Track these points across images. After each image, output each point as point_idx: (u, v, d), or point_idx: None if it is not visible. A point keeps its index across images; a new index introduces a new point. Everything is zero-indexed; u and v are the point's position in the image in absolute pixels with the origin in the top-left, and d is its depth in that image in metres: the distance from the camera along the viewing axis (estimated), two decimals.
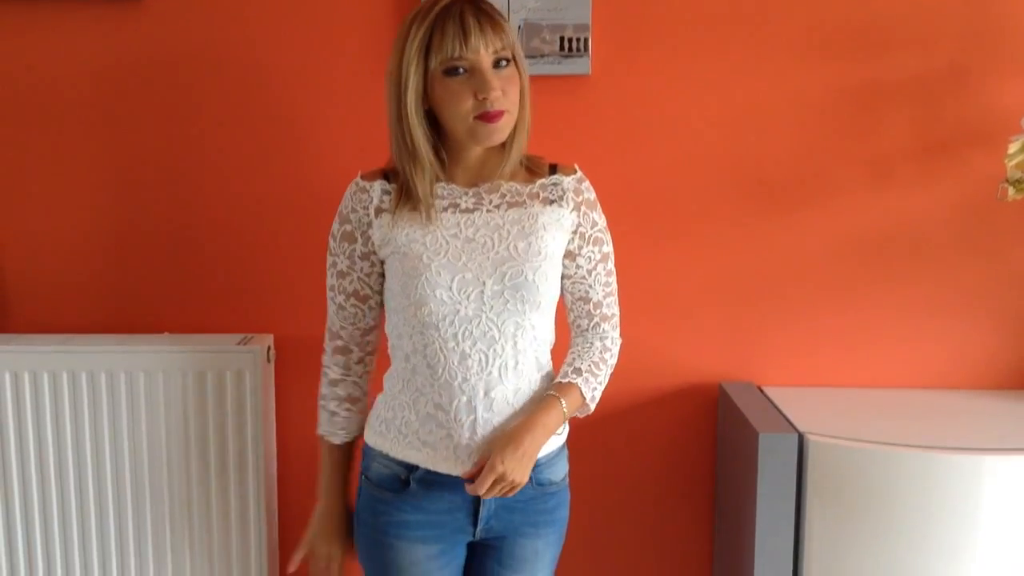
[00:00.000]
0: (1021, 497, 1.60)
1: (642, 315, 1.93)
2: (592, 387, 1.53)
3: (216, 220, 1.93)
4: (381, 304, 1.55)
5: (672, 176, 1.92)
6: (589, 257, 1.55)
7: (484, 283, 1.44)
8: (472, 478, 1.44)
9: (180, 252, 1.93)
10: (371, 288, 1.53)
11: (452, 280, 1.44)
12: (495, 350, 1.45)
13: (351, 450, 1.60)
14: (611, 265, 1.58)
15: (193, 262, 1.94)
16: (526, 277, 1.45)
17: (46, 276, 1.94)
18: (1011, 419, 1.78)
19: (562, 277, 1.55)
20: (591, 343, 1.57)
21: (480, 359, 1.45)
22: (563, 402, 1.48)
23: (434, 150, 1.47)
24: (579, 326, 1.59)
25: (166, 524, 1.87)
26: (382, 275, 1.53)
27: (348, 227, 1.51)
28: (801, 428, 1.68)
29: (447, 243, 1.46)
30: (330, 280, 1.54)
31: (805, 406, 1.82)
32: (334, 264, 1.53)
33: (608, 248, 1.57)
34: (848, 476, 1.63)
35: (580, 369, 1.53)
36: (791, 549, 1.68)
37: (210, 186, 1.92)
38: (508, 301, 1.45)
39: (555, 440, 1.54)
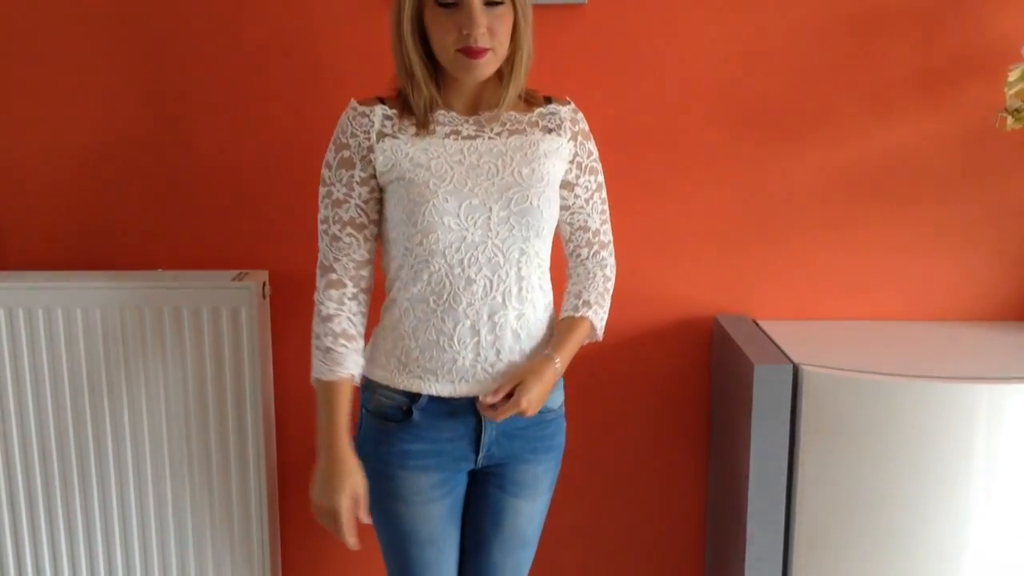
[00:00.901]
0: (1016, 426, 1.62)
1: (638, 249, 1.92)
2: (600, 317, 1.61)
3: (209, 155, 1.91)
4: (376, 236, 1.54)
5: (668, 108, 1.89)
6: (586, 187, 1.59)
7: (491, 209, 1.46)
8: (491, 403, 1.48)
9: (173, 188, 1.92)
10: (368, 217, 1.52)
11: (459, 206, 1.45)
12: (499, 275, 1.48)
13: (350, 392, 1.51)
14: (604, 194, 1.62)
15: (187, 198, 1.92)
16: (531, 203, 1.48)
17: (39, 213, 1.92)
18: (1008, 350, 1.79)
19: (560, 208, 1.57)
20: (594, 273, 1.62)
21: (485, 284, 1.47)
22: (577, 337, 1.56)
23: (431, 75, 1.48)
24: (579, 255, 1.63)
25: (165, 460, 1.88)
26: (380, 202, 1.52)
27: (346, 153, 1.49)
28: (796, 359, 1.69)
29: (451, 169, 1.47)
30: (323, 212, 1.52)
31: (801, 338, 1.82)
32: (329, 194, 1.51)
33: (602, 177, 1.62)
34: (843, 407, 1.64)
35: (589, 302, 1.60)
36: (784, 480, 1.69)
37: (204, 121, 1.90)
38: (514, 227, 1.48)
39: None
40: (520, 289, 1.49)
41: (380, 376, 1.54)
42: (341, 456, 1.48)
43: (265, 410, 1.89)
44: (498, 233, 1.47)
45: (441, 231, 1.45)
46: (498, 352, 1.49)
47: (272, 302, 1.94)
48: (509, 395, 1.48)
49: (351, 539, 1.49)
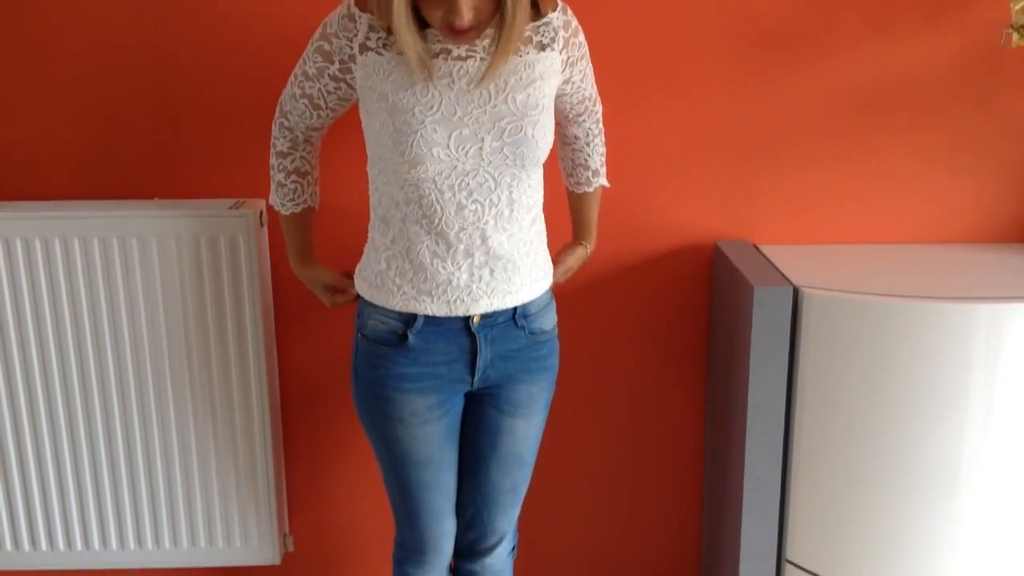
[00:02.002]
0: (1015, 346, 1.61)
1: (637, 174, 1.90)
2: (604, 175, 1.75)
3: (205, 83, 1.88)
4: (333, 118, 1.57)
5: (666, 28, 1.85)
6: (580, 69, 1.57)
7: (483, 139, 1.42)
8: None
9: (169, 117, 1.89)
10: (326, 103, 1.53)
11: (449, 137, 1.41)
12: (491, 200, 1.46)
13: (309, 216, 1.67)
14: (589, 60, 1.60)
15: (182, 127, 1.90)
16: (526, 133, 1.43)
17: (34, 143, 1.90)
18: (1009, 271, 1.78)
19: (557, 96, 1.54)
20: (592, 135, 1.70)
21: (476, 209, 1.45)
22: (596, 211, 1.76)
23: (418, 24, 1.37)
24: (578, 123, 1.67)
25: (168, 388, 1.89)
26: (344, 100, 1.52)
27: (326, 46, 1.46)
28: (796, 282, 1.68)
29: (440, 95, 1.40)
30: (297, 67, 1.53)
31: (801, 262, 1.81)
32: (303, 62, 1.51)
33: (586, 49, 1.57)
34: (843, 329, 1.64)
35: (598, 171, 1.73)
36: (783, 402, 1.70)
37: (199, 48, 1.86)
38: (507, 157, 1.44)
39: (543, 287, 1.58)
40: (512, 212, 1.48)
41: (374, 297, 1.54)
42: (308, 274, 1.72)
43: (266, 338, 1.90)
44: (491, 162, 1.43)
45: (430, 162, 1.41)
46: (492, 271, 1.49)
47: (271, 231, 1.93)
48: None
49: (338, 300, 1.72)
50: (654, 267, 1.97)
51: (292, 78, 1.54)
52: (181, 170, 1.92)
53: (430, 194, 1.44)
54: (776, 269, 1.77)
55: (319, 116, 1.55)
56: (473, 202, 1.44)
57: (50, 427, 1.91)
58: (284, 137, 1.60)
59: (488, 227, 1.46)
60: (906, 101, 1.87)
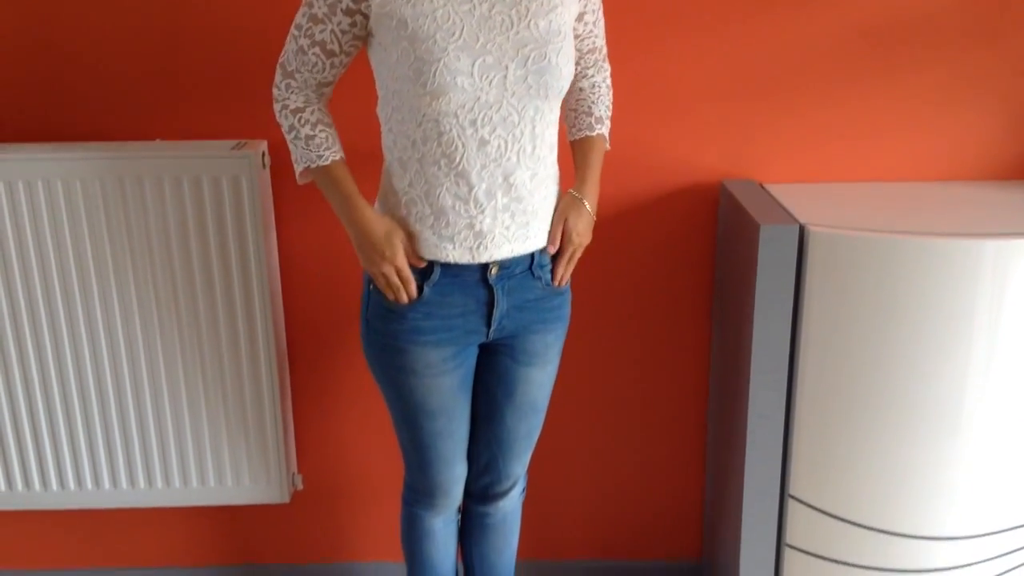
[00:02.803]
0: (1020, 281, 1.61)
1: (642, 113, 1.89)
2: (608, 127, 1.64)
3: (207, 22, 1.85)
4: (346, 65, 1.49)
5: None
6: (592, 11, 1.55)
7: (507, 67, 1.38)
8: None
9: (170, 57, 1.87)
10: (341, 47, 1.45)
11: (473, 65, 1.37)
12: (514, 135, 1.42)
13: (346, 167, 1.50)
14: (601, 9, 1.58)
15: (184, 68, 1.87)
16: (550, 60, 1.40)
17: (35, 84, 1.88)
18: (1016, 207, 1.77)
19: None
20: (598, 87, 1.62)
21: (499, 145, 1.41)
22: (599, 158, 1.59)
23: None
24: (585, 75, 1.62)
25: (174, 329, 1.90)
26: (358, 39, 1.45)
27: None
28: (802, 220, 1.67)
29: (461, 21, 1.36)
30: (299, 18, 1.45)
31: (807, 200, 1.81)
32: (311, 4, 1.43)
33: None
34: (848, 266, 1.64)
35: (602, 118, 1.62)
36: (788, 339, 1.70)
37: None
38: (531, 87, 1.40)
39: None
40: (534, 148, 1.44)
41: None
42: (368, 226, 1.47)
43: (271, 278, 1.90)
44: (514, 92, 1.39)
45: (454, 92, 1.36)
46: (513, 215, 1.46)
47: (273, 172, 1.92)
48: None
49: (412, 289, 1.49)
50: (660, 207, 1.96)
51: (293, 33, 1.46)
52: (183, 111, 1.90)
53: (451, 130, 1.40)
54: (782, 207, 1.76)
55: (333, 65, 1.46)
56: (496, 137, 1.41)
57: (58, 369, 1.92)
58: (295, 95, 1.49)
59: (511, 164, 1.43)
60: (912, 38, 1.85)
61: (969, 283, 1.61)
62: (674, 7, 1.84)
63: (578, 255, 1.57)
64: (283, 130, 1.51)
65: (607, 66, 1.66)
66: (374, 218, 1.47)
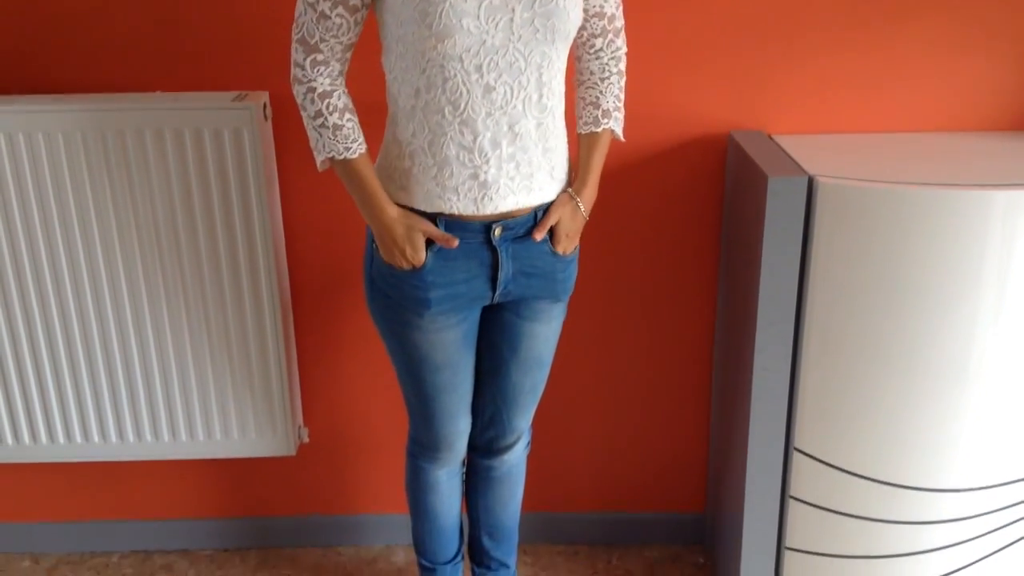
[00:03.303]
0: None
1: (649, 64, 1.85)
2: (620, 120, 1.58)
3: None
4: (366, 20, 1.45)
5: None
6: None
7: (513, 9, 1.35)
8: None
9: (170, 6, 1.83)
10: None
11: (479, 6, 1.33)
12: (520, 82, 1.39)
13: (369, 160, 1.48)
14: None
15: (183, 17, 1.84)
16: (556, 3, 1.36)
17: (34, 37, 1.85)
18: None
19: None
20: (608, 71, 1.56)
21: (505, 92, 1.39)
22: (601, 154, 1.55)
23: None
24: (592, 46, 1.55)
25: (178, 283, 1.89)
26: None
27: None
28: (811, 171, 1.65)
29: None
30: None
31: (816, 152, 1.78)
32: None
33: None
34: (857, 217, 1.62)
35: (608, 111, 1.56)
36: (795, 291, 1.69)
37: None
38: (538, 30, 1.37)
39: (560, 186, 1.54)
40: (540, 96, 1.42)
41: (400, 198, 1.48)
42: (390, 225, 1.46)
43: (273, 231, 1.88)
44: (520, 36, 1.36)
45: (459, 35, 1.34)
46: (518, 165, 1.44)
47: (274, 124, 1.90)
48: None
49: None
50: (668, 158, 1.94)
51: (308, 2, 1.39)
52: (183, 62, 1.87)
53: (456, 75, 1.37)
54: (790, 159, 1.74)
55: (356, 22, 1.41)
56: (502, 84, 1.38)
57: (62, 323, 1.92)
58: (322, 75, 1.43)
59: (516, 112, 1.40)
60: None
61: (978, 234, 1.59)
62: None
63: (569, 249, 1.56)
64: (306, 114, 1.45)
65: (620, 44, 1.57)
66: (396, 217, 1.46)
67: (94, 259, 1.87)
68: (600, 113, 1.56)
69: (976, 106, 1.89)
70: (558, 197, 1.52)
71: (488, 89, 1.38)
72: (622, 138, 1.61)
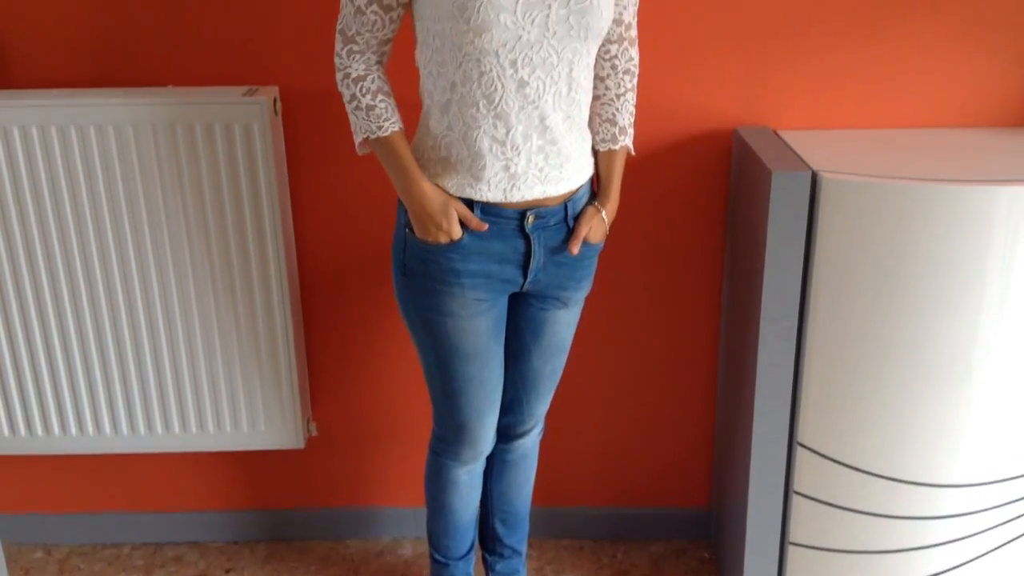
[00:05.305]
0: None
1: (655, 59, 1.86)
2: (632, 136, 1.65)
3: None
4: (402, 17, 1.49)
5: None
6: None
7: (550, 6, 1.39)
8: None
9: (180, 1, 1.86)
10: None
11: (516, 3, 1.37)
12: (552, 77, 1.43)
13: (404, 138, 1.52)
14: None
15: (194, 12, 1.87)
16: (592, 1, 1.40)
17: (46, 31, 1.88)
18: None
19: None
20: (623, 87, 1.61)
21: (537, 86, 1.43)
22: (620, 170, 1.63)
23: None
24: (608, 51, 1.59)
25: (189, 276, 1.91)
26: None
27: None
28: (815, 167, 1.66)
29: None
30: None
31: (821, 147, 1.79)
32: None
33: None
34: (860, 213, 1.63)
35: (624, 128, 1.62)
36: (799, 288, 1.70)
37: None
38: (572, 27, 1.41)
39: (587, 174, 1.59)
40: (570, 90, 1.46)
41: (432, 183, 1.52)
42: (425, 199, 1.50)
43: (283, 225, 1.90)
44: (555, 33, 1.40)
45: (496, 29, 1.37)
46: (546, 157, 1.48)
47: (284, 119, 1.92)
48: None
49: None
50: (674, 153, 1.95)
51: None
52: (194, 57, 1.89)
53: (491, 70, 1.41)
54: (795, 154, 1.75)
55: (391, 20, 1.47)
56: (535, 79, 1.42)
57: (75, 316, 1.94)
58: (356, 62, 1.48)
59: (547, 106, 1.45)
60: None
61: (982, 230, 1.60)
62: None
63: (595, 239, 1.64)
64: (344, 99, 1.51)
65: (634, 54, 1.62)
66: (431, 191, 1.50)
67: (106, 252, 1.89)
68: (617, 131, 1.62)
69: (979, 102, 1.90)
70: (586, 210, 1.58)
71: (522, 84, 1.42)
72: (634, 152, 1.67)
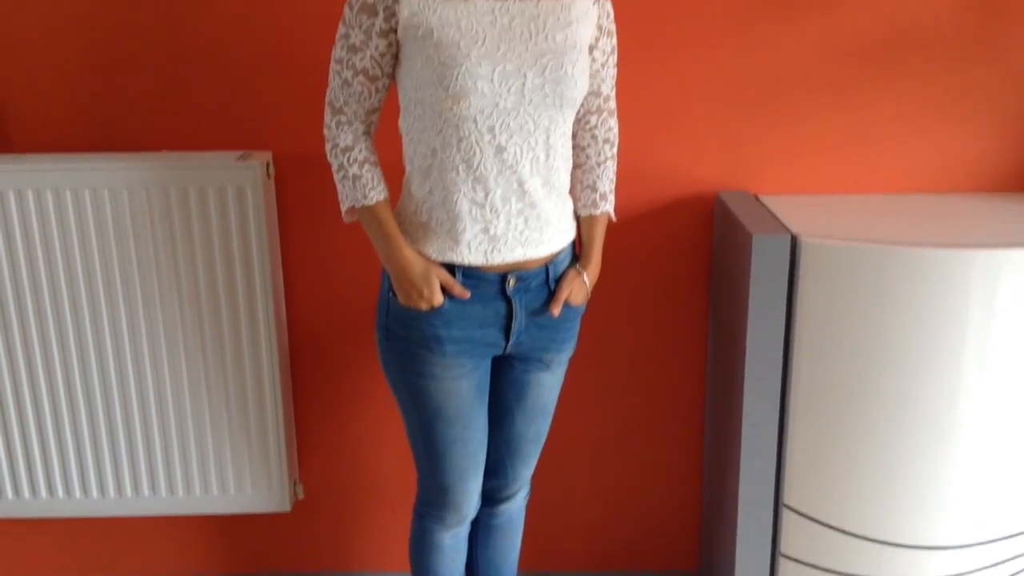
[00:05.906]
0: (1010, 292, 1.63)
1: (639, 125, 1.91)
2: (613, 202, 1.67)
3: (211, 34, 1.89)
4: (388, 87, 1.53)
5: None
6: (603, 49, 1.58)
7: (525, 75, 1.44)
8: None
9: (175, 68, 1.91)
10: (382, 69, 1.50)
11: (493, 71, 1.42)
12: (529, 143, 1.47)
13: (389, 207, 1.54)
14: (616, 57, 1.62)
15: (189, 79, 1.92)
16: (566, 71, 1.46)
17: (42, 96, 1.92)
18: (1007, 218, 1.79)
19: None
20: (604, 156, 1.64)
21: (515, 152, 1.47)
22: (601, 236, 1.65)
23: None
24: (588, 122, 1.63)
25: (179, 338, 1.93)
26: (394, 58, 1.50)
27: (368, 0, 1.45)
28: (795, 230, 1.70)
29: (483, 31, 1.43)
30: (338, 52, 1.50)
31: (801, 211, 1.83)
32: (347, 36, 1.48)
33: (615, 40, 1.60)
34: (840, 275, 1.66)
35: (605, 194, 1.65)
36: (781, 349, 1.72)
37: None
38: (547, 96, 1.46)
39: (568, 237, 1.61)
40: (547, 156, 1.50)
41: (414, 247, 1.54)
42: (407, 264, 1.52)
43: (274, 287, 1.93)
44: (531, 100, 1.45)
45: (474, 96, 1.42)
46: (526, 220, 1.51)
47: (277, 183, 1.96)
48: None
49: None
50: (658, 216, 1.99)
51: (335, 68, 1.50)
52: (189, 122, 1.94)
53: (470, 135, 1.45)
54: (775, 218, 1.78)
55: (377, 89, 1.51)
56: (512, 144, 1.46)
57: (65, 377, 1.95)
58: (344, 132, 1.52)
59: (524, 171, 1.48)
60: (906, 49, 1.88)
61: (960, 293, 1.63)
62: (669, 20, 1.88)
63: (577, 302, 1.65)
64: (332, 169, 1.55)
65: (613, 124, 1.66)
66: (413, 258, 1.52)
67: (96, 313, 1.91)
68: (598, 196, 1.64)
69: (953, 168, 1.95)
70: (567, 272, 1.61)
71: (500, 149, 1.46)
72: (614, 218, 1.68)
